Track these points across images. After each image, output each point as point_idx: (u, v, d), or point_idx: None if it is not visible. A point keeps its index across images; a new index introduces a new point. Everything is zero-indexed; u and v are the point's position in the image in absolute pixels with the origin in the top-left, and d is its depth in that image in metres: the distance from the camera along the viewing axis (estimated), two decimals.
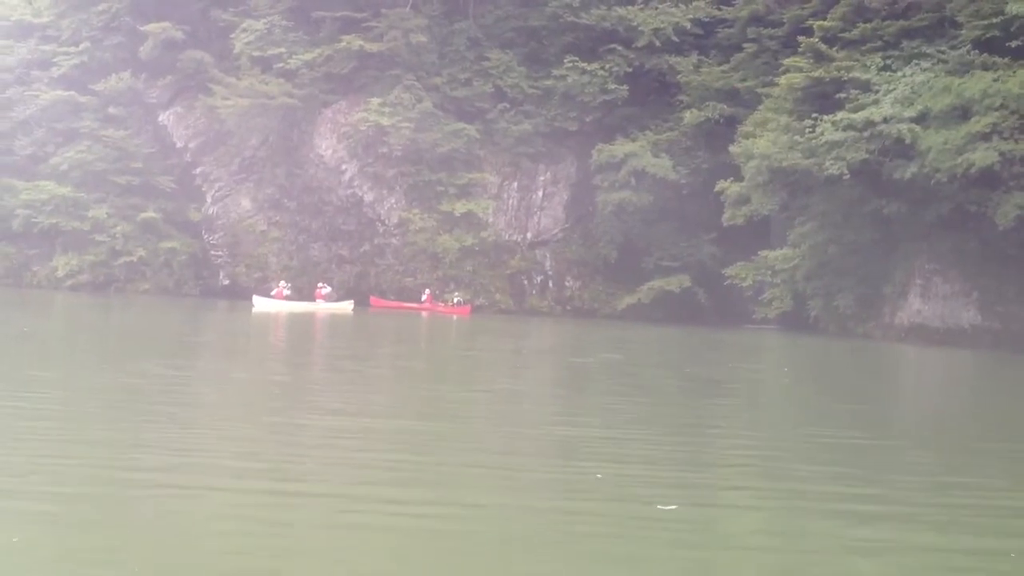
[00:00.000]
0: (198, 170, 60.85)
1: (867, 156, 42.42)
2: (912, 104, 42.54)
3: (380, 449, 10.33)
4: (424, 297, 55.02)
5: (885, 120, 42.09)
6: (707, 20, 58.29)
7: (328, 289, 53.25)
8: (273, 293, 51.67)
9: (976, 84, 41.17)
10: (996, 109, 39.83)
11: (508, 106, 58.51)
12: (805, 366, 28.84)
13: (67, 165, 58.72)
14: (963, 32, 44.52)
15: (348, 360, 22.35)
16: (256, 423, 11.70)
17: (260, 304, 48.52)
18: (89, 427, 10.86)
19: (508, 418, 13.67)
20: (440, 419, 12.76)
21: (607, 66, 57.32)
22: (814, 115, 44.60)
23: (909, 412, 17.45)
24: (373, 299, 55.75)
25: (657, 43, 57.23)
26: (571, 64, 57.30)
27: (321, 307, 50.91)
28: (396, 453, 10.07)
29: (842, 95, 44.95)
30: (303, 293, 54.10)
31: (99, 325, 32.09)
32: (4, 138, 60.79)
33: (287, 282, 54.34)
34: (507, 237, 58.95)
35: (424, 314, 51.34)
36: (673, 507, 8.54)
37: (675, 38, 57.48)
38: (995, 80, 40.70)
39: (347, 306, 51.49)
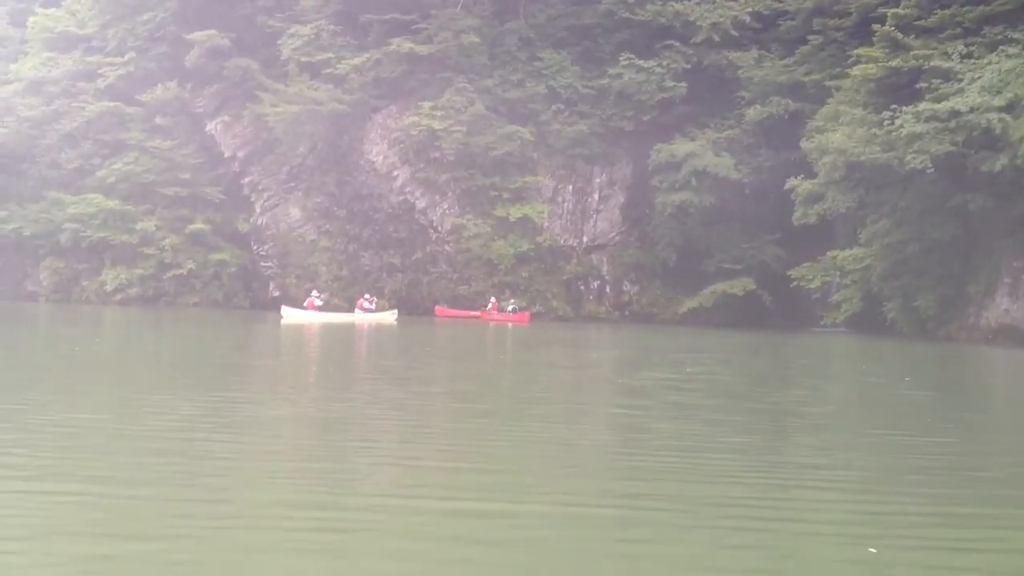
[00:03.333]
0: (246, 180, 58.15)
1: (951, 148, 38.93)
2: (1000, 92, 38.95)
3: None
4: (489, 305, 51.85)
5: (972, 110, 38.50)
6: (767, 13, 54.78)
7: (372, 305, 49.30)
8: (305, 304, 47.74)
9: None
10: None
11: (562, 107, 55.20)
12: (923, 374, 25.42)
13: (114, 177, 56.35)
14: None
15: (409, 387, 19.09)
16: (302, 505, 8.37)
17: (289, 316, 44.65)
18: (88, 522, 7.75)
19: (674, 485, 10.39)
20: (565, 495, 9.24)
21: (664, 63, 53.92)
22: (892, 107, 41.11)
23: None
24: (438, 309, 52.64)
25: (716, 38, 53.87)
26: (627, 62, 53.88)
27: (359, 317, 46.83)
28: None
29: (922, 85, 41.38)
30: (353, 304, 50.81)
31: (138, 344, 29.26)
32: (51, 151, 58.51)
33: (319, 292, 50.86)
34: (563, 242, 55.74)
35: (491, 324, 48.11)
36: None
37: (734, 32, 54.03)
38: None
39: (390, 316, 47.69)
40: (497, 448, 11.26)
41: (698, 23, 54.15)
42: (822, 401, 17.61)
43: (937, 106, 39.33)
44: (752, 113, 51.76)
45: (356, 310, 48.51)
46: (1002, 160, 38.05)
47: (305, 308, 46.84)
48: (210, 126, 58.93)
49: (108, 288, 54.90)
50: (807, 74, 50.63)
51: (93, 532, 7.15)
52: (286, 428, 12.35)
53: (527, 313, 51.56)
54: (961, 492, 9.35)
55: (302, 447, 11.03)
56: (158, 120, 57.98)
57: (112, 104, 57.95)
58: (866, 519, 8.11)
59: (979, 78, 39.96)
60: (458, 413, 14.48)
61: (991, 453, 12.00)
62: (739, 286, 51.14)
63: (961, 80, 40.54)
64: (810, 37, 51.36)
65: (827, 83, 48.05)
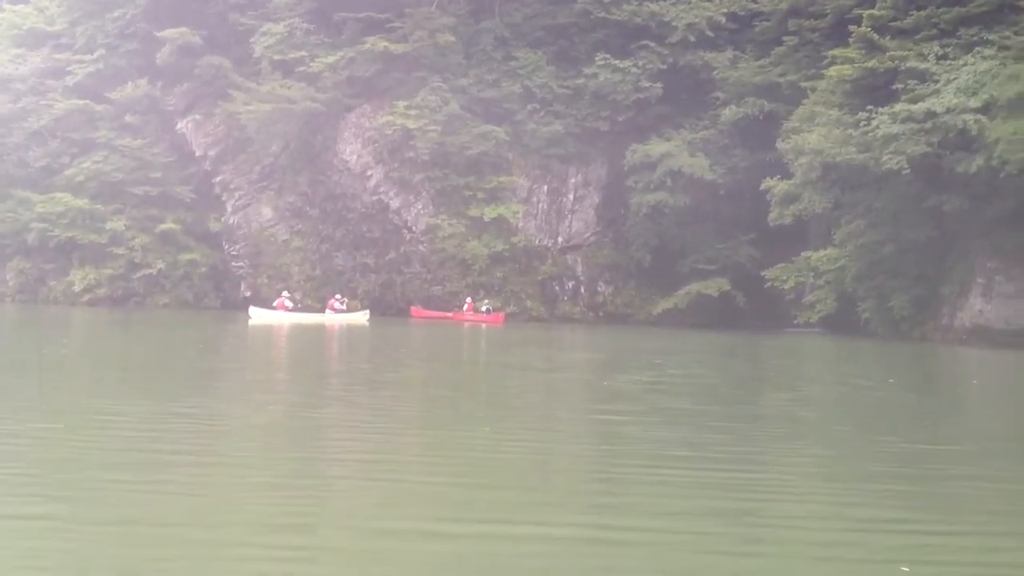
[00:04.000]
0: (217, 179, 57.01)
1: (927, 149, 38.58)
2: (976, 94, 38.65)
3: None
4: (465, 306, 51.03)
5: (948, 111, 38.20)
6: (742, 14, 54.31)
7: (343, 305, 47.94)
8: (275, 304, 46.39)
9: None
10: None
11: (537, 107, 54.37)
12: (906, 376, 24.91)
13: (83, 176, 55.00)
14: None
15: (382, 392, 18.32)
16: (274, 542, 7.43)
17: (257, 316, 43.16)
18: None
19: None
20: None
21: (640, 63, 53.27)
22: (868, 107, 40.75)
23: None
24: (414, 310, 51.75)
25: (691, 39, 53.33)
26: (603, 62, 53.20)
27: (330, 318, 45.62)
28: None
29: (898, 86, 41.05)
30: (325, 304, 49.69)
31: (106, 346, 28.26)
32: (18, 150, 57.07)
33: (290, 292, 49.90)
34: (537, 242, 54.94)
35: (466, 324, 47.24)
36: None
37: (710, 33, 53.51)
38: None
39: (362, 317, 46.43)
40: (478, 462, 10.46)
41: (674, 23, 53.59)
42: (813, 405, 17.01)
43: (913, 107, 38.98)
44: (727, 114, 51.29)
45: (327, 311, 47.48)
46: (978, 161, 37.73)
47: (275, 308, 45.74)
48: (181, 124, 57.74)
49: (76, 288, 53.63)
50: (782, 75, 50.20)
51: (53, 569, 6.35)
52: (256, 440, 11.53)
53: (502, 314, 50.84)
54: (988, 509, 8.70)
55: (273, 463, 10.19)
56: (128, 118, 56.73)
57: (81, 102, 56.67)
58: (890, 539, 7.45)
59: (955, 79, 39.65)
60: (435, 421, 13.68)
61: (1002, 462, 11.38)
62: (713, 287, 50.67)
63: (937, 81, 40.22)
64: (785, 38, 50.92)
65: (802, 84, 47.62)
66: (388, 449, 11.05)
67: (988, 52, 40.44)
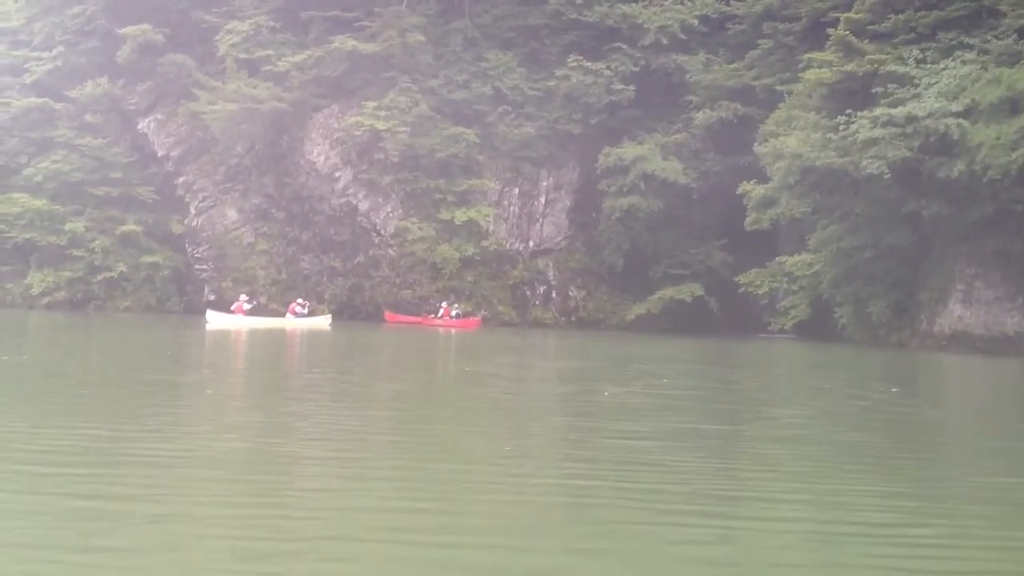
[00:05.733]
0: (180, 180, 54.50)
1: (908, 154, 37.25)
2: (957, 98, 37.41)
3: None
4: (441, 311, 48.95)
5: (929, 115, 36.90)
6: (715, 17, 52.90)
7: (305, 309, 45.86)
8: (232, 308, 44.15)
9: None
10: None
11: (508, 109, 52.55)
12: (907, 385, 23.32)
13: (41, 176, 52.32)
14: (1006, 21, 39.66)
15: (352, 413, 16.28)
16: None
17: (215, 320, 40.97)
18: None
19: None
20: None
21: (612, 66, 51.63)
22: (848, 111, 39.37)
23: None
24: (388, 314, 49.63)
25: (664, 41, 51.79)
26: (574, 64, 51.48)
27: (290, 323, 43.38)
28: None
29: (877, 90, 39.70)
30: (287, 308, 47.37)
31: (58, 354, 25.92)
32: None
33: (254, 296, 47.70)
34: (508, 246, 53.12)
35: (440, 330, 45.10)
36: None
37: (682, 36, 52.05)
38: None
39: (324, 322, 44.28)
40: (477, 512, 8.44)
41: (645, 26, 52.09)
42: (839, 423, 15.03)
43: (894, 111, 37.63)
44: (700, 117, 49.86)
45: (288, 315, 45.24)
46: (959, 166, 36.49)
47: (233, 312, 43.41)
48: (142, 124, 55.22)
49: (34, 292, 50.96)
50: (756, 78, 48.89)
51: None
52: (216, 481, 9.41)
53: (477, 318, 49.05)
54: None
55: (236, 517, 8.08)
56: (88, 117, 54.08)
57: (39, 100, 54.11)
58: None
59: (935, 83, 38.42)
60: (442, 451, 11.61)
61: None
62: (687, 292, 49.36)
63: (917, 85, 38.97)
64: (759, 41, 49.67)
65: (777, 87, 46.36)
66: (353, 494, 8.97)
67: (968, 56, 39.34)
